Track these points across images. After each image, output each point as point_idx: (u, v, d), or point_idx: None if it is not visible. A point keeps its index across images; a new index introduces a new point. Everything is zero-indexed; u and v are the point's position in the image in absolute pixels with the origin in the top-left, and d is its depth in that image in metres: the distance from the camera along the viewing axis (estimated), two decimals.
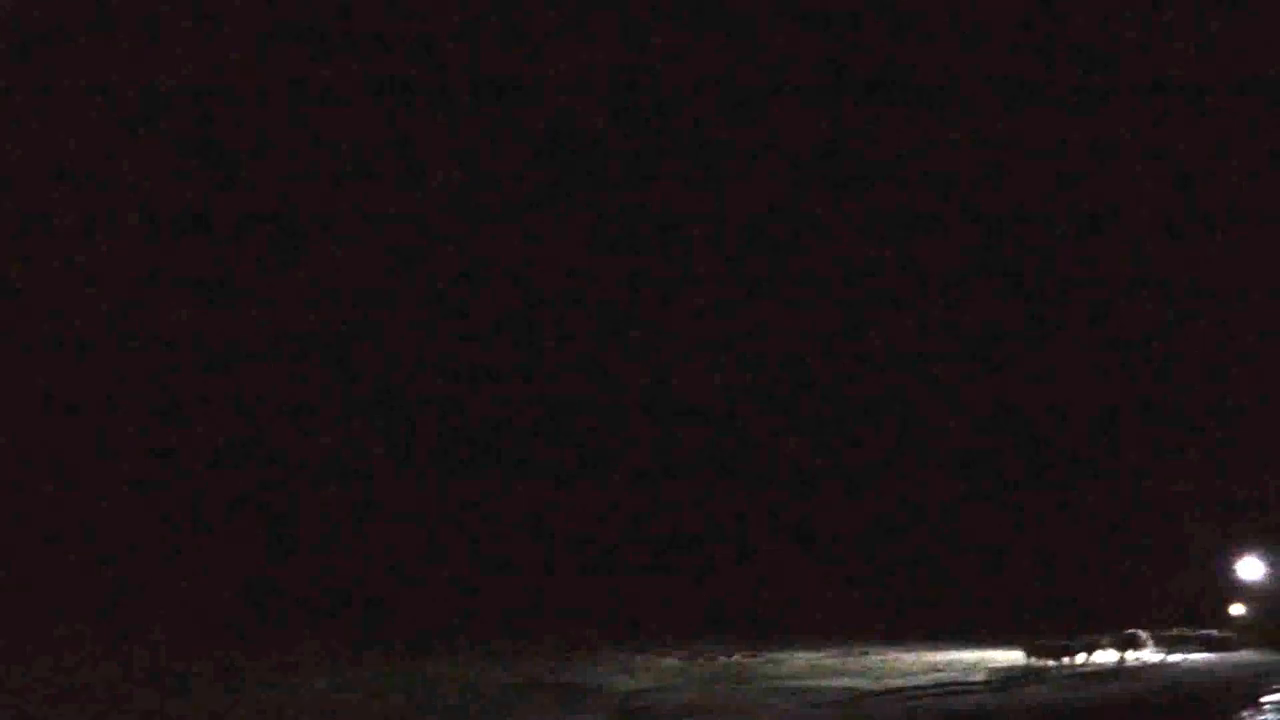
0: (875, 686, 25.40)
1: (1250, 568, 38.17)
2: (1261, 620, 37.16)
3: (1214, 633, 36.05)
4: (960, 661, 31.11)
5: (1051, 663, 29.48)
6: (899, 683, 26.01)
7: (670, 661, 30.03)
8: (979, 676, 27.47)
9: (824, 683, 25.88)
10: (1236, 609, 37.86)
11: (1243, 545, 38.73)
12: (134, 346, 48.39)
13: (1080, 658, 30.70)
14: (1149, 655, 33.34)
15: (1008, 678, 27.21)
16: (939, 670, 29.00)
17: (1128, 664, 31.57)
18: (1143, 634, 33.87)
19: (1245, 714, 23.58)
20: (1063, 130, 54.19)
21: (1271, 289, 51.11)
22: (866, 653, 32.88)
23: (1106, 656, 31.67)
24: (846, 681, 26.17)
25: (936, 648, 34.41)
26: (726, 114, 55.94)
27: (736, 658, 31.00)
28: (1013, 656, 30.54)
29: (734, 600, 43.74)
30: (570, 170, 54.83)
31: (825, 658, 31.54)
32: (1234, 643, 36.20)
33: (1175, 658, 33.67)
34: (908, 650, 33.64)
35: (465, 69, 53.65)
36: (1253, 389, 48.09)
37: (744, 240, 55.73)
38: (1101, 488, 48.19)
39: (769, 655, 31.53)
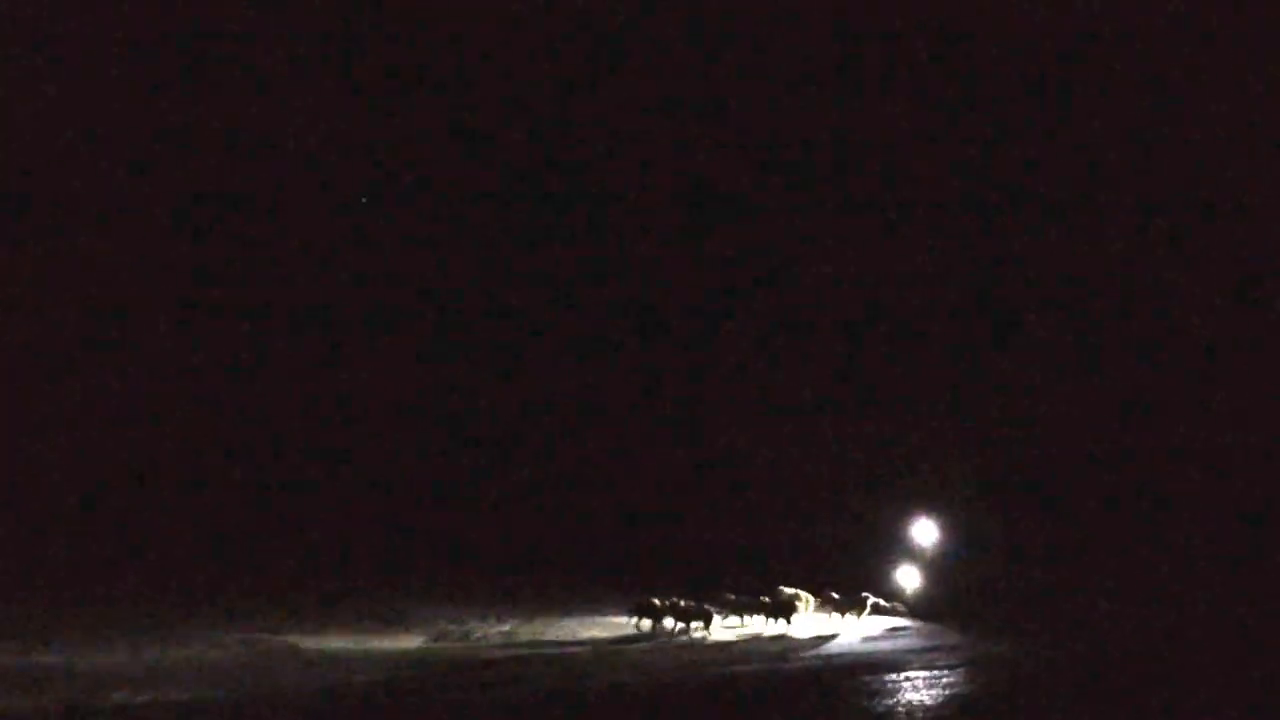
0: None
1: (922, 532, 36.19)
2: (930, 589, 35.34)
3: (880, 600, 34.02)
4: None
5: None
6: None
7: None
8: None
9: None
10: (905, 575, 35.79)
11: (915, 508, 36.64)
12: None
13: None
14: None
15: None
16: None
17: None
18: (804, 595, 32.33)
19: None
20: None
21: None
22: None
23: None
24: None
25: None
26: None
27: None
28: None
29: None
30: None
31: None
32: (901, 611, 34.40)
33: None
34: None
35: None
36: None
37: None
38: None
39: None
